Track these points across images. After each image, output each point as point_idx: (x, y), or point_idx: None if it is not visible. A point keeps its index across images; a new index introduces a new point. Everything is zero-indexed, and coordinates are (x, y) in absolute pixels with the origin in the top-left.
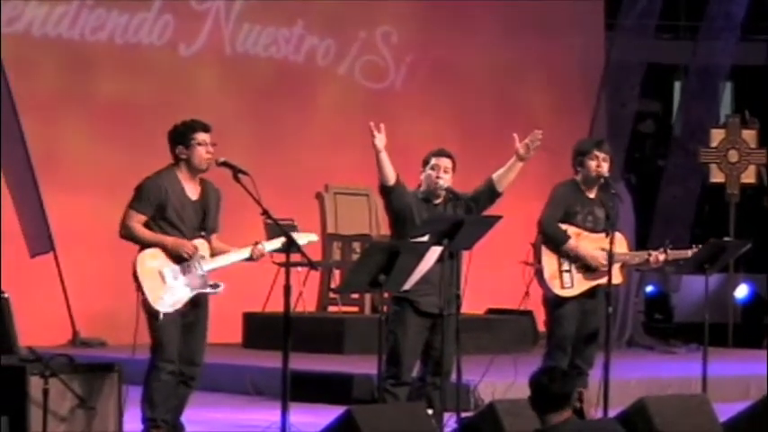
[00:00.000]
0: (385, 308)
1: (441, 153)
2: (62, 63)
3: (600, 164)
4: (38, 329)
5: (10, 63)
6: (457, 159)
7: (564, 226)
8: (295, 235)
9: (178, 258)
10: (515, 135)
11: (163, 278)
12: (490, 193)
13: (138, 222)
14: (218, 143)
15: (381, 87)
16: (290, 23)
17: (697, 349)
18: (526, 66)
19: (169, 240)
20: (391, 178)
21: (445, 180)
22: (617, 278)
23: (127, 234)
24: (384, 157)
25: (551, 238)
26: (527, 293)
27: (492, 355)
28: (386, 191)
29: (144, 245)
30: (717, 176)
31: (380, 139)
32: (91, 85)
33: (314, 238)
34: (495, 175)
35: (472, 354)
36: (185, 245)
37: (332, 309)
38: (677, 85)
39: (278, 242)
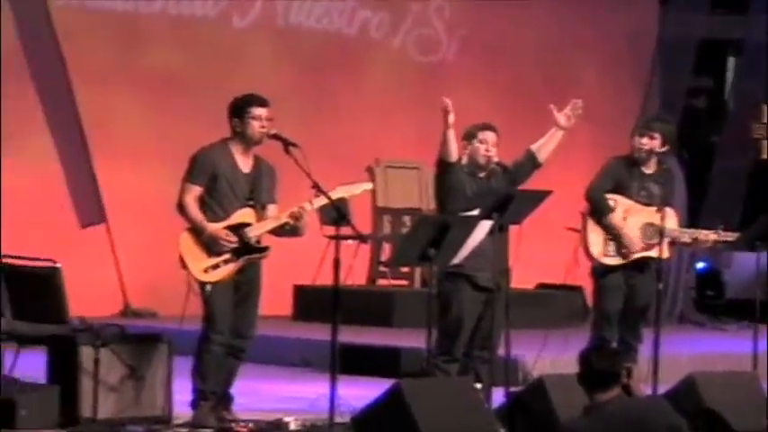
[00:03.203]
0: (435, 282)
1: (487, 127)
2: (116, 35)
3: (642, 141)
4: (89, 300)
5: (64, 35)
6: (508, 133)
7: (616, 197)
8: (350, 186)
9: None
10: (552, 106)
11: (207, 251)
12: (531, 165)
13: (193, 196)
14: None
15: (433, 61)
16: None
17: (748, 326)
18: (578, 40)
19: (207, 232)
20: (455, 154)
21: (494, 154)
22: (665, 253)
23: (181, 209)
24: (452, 133)
25: (595, 207)
26: (576, 262)
27: (542, 330)
28: (446, 166)
29: (189, 222)
30: None
31: (452, 116)
32: (144, 57)
33: (368, 186)
34: (534, 147)
35: (522, 328)
36: (221, 239)
37: (381, 282)
38: (731, 61)
39: (322, 200)
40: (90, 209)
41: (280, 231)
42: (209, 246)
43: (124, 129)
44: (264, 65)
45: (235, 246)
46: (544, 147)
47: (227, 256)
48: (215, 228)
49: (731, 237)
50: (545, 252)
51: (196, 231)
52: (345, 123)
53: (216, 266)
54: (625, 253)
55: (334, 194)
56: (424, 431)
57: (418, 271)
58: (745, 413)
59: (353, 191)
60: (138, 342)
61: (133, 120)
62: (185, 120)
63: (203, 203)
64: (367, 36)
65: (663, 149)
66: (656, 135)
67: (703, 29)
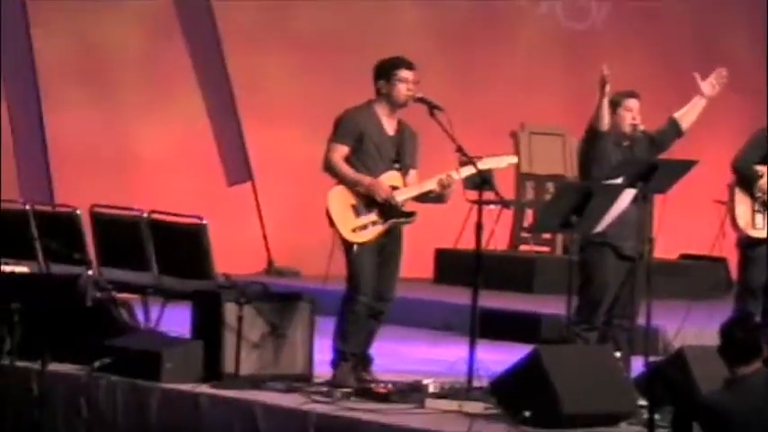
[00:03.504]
0: (576, 249)
1: (632, 94)
2: None
3: None
4: (234, 257)
5: None
6: (656, 102)
7: (764, 168)
8: (494, 159)
9: (372, 198)
10: (696, 74)
11: (356, 211)
12: (674, 133)
13: (340, 155)
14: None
15: (582, 28)
16: None
17: None
18: (729, 8)
19: (366, 181)
20: (607, 123)
21: (639, 122)
22: None
23: (329, 168)
24: (607, 101)
25: (743, 177)
26: (723, 234)
27: (684, 301)
28: (597, 134)
29: (343, 182)
30: None
31: (609, 86)
32: (293, 19)
33: (513, 159)
34: (677, 115)
35: (664, 299)
36: (381, 188)
37: (523, 248)
38: None
39: (469, 169)
40: (237, 167)
41: (424, 198)
42: (367, 198)
43: (272, 89)
44: (411, 29)
45: (392, 200)
46: (687, 115)
47: (374, 217)
48: (372, 179)
49: None
50: (689, 222)
51: (351, 185)
52: (491, 90)
53: (364, 227)
54: None
55: (480, 165)
56: (562, 398)
57: (560, 238)
58: None
59: (499, 163)
60: (280, 300)
61: (281, 80)
62: (333, 81)
63: (350, 164)
64: (514, 2)
65: None
66: None
67: None
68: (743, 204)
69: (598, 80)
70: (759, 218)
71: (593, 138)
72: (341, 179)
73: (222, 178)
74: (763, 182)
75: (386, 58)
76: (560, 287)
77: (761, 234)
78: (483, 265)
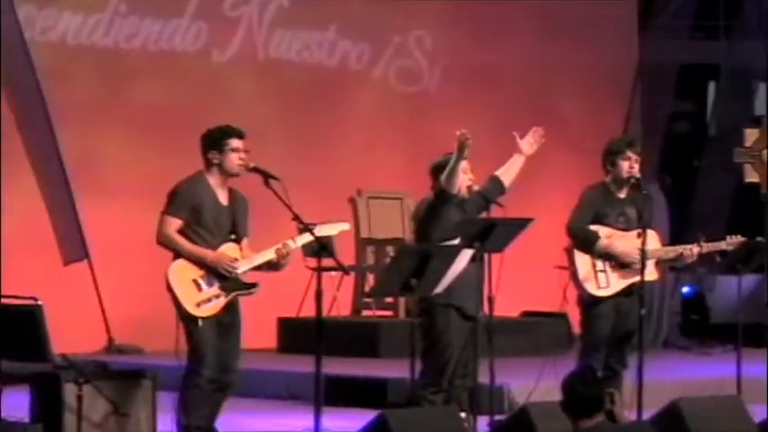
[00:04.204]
0: (418, 312)
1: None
2: (97, 71)
3: (632, 164)
4: (73, 337)
5: (45, 72)
6: (492, 161)
7: (596, 227)
8: (327, 226)
9: (215, 271)
10: (515, 133)
11: (198, 286)
12: (498, 190)
13: (173, 228)
14: (253, 148)
15: (415, 91)
16: (323, 28)
17: (733, 350)
18: (560, 67)
19: (210, 255)
20: (457, 187)
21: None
22: (653, 275)
23: (165, 242)
24: (462, 165)
25: (581, 242)
26: (564, 297)
27: (527, 358)
28: (448, 198)
29: (182, 255)
30: (751, 176)
31: (468, 150)
32: (126, 93)
33: (345, 226)
34: (498, 172)
35: (507, 356)
36: (225, 261)
37: (366, 313)
38: (711, 86)
39: (306, 237)
40: (73, 246)
41: (260, 267)
42: (210, 272)
43: (107, 165)
44: (246, 98)
45: (236, 272)
46: (507, 172)
47: (217, 290)
48: (215, 253)
49: (716, 247)
50: (529, 280)
51: (194, 260)
52: (327, 155)
53: (208, 300)
54: (627, 270)
55: (305, 237)
56: None
57: (403, 301)
58: None
59: (331, 231)
60: (121, 378)
61: (115, 156)
62: (167, 155)
63: (186, 238)
64: (348, 68)
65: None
66: (638, 159)
67: (684, 54)
68: (584, 265)
69: (457, 142)
70: (602, 276)
71: (443, 200)
72: (180, 253)
73: (58, 257)
74: (603, 242)
75: (214, 127)
76: (406, 350)
77: (605, 293)
78: (326, 332)
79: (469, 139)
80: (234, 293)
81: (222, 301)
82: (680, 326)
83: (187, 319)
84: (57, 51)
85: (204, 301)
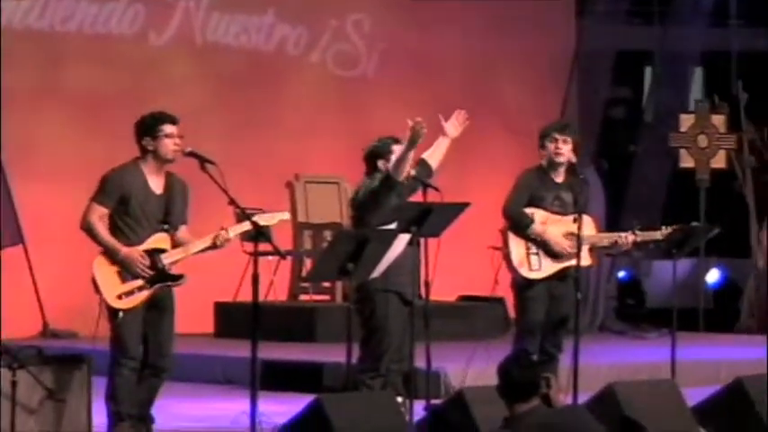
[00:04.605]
0: (355, 296)
1: (396, 141)
2: (31, 53)
3: (558, 146)
4: (7, 322)
5: None
6: (430, 145)
7: (531, 210)
8: (265, 216)
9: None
10: (440, 115)
11: (122, 277)
12: (426, 173)
13: (99, 216)
14: (189, 133)
15: (353, 75)
16: (261, 12)
17: (668, 334)
18: (498, 53)
19: (122, 252)
20: (404, 175)
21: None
22: (586, 260)
23: (86, 228)
24: (412, 153)
25: (515, 224)
26: (496, 281)
27: (464, 343)
28: (393, 185)
29: (100, 244)
30: (687, 161)
31: (421, 138)
32: (62, 76)
33: (285, 215)
34: (425, 155)
35: (443, 341)
36: (136, 262)
37: (303, 297)
38: (648, 71)
39: (242, 227)
40: (8, 230)
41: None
42: (123, 268)
43: (42, 149)
44: (183, 82)
45: (149, 272)
46: (434, 154)
47: (140, 282)
48: (129, 250)
49: (651, 236)
50: (466, 264)
51: (109, 254)
52: (264, 140)
53: (130, 293)
54: (556, 257)
55: (242, 226)
56: None
57: (340, 285)
58: (665, 421)
59: (270, 220)
60: (56, 363)
61: (51, 140)
62: (104, 139)
63: (115, 227)
64: (285, 52)
65: (573, 155)
66: (569, 140)
67: (620, 40)
68: (517, 248)
69: (410, 130)
70: (534, 259)
71: (389, 188)
72: (98, 242)
73: None
74: (535, 227)
75: (147, 114)
76: (342, 335)
77: (538, 275)
78: (262, 317)
79: (424, 128)
80: (158, 285)
81: (145, 293)
82: (615, 310)
83: (110, 311)
84: None
85: (126, 293)
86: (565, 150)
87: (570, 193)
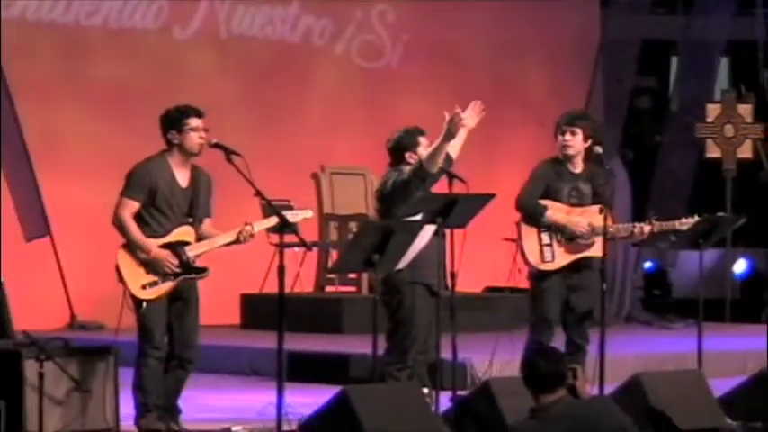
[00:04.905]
0: (381, 288)
1: (421, 132)
2: (57, 48)
3: (566, 138)
4: (35, 314)
5: (5, 48)
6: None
7: (548, 202)
8: (289, 213)
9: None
10: (456, 105)
11: (146, 268)
12: (448, 162)
13: (130, 211)
14: (215, 125)
15: (378, 66)
16: (286, 3)
17: (694, 324)
18: (522, 43)
19: (153, 252)
20: (437, 167)
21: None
22: (598, 251)
23: (118, 224)
24: (446, 145)
25: (529, 214)
26: (519, 270)
27: (489, 334)
28: (425, 176)
29: (130, 242)
30: (713, 151)
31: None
32: (86, 70)
33: (308, 214)
34: None
35: (469, 332)
36: (165, 262)
37: (329, 289)
38: (674, 61)
39: (268, 222)
40: (35, 222)
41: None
42: (149, 266)
43: (68, 142)
44: (207, 75)
45: (176, 271)
46: (454, 145)
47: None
48: (158, 251)
49: (669, 226)
50: (492, 255)
51: (137, 249)
52: (290, 131)
53: (154, 283)
54: (574, 243)
55: (274, 220)
56: None
57: (366, 277)
58: (691, 412)
59: (294, 218)
60: (83, 355)
61: (77, 133)
62: (129, 132)
63: (141, 219)
64: (310, 43)
65: (586, 145)
66: (577, 131)
67: (645, 29)
68: (530, 239)
69: (447, 123)
70: (547, 251)
71: (421, 179)
72: (128, 239)
73: (20, 233)
74: (550, 214)
75: (172, 107)
76: (369, 326)
77: (551, 267)
78: (288, 308)
79: (462, 120)
80: (182, 277)
81: (169, 284)
82: (642, 301)
83: (134, 301)
84: (17, 28)
85: (150, 283)
86: (572, 142)
87: (589, 185)
